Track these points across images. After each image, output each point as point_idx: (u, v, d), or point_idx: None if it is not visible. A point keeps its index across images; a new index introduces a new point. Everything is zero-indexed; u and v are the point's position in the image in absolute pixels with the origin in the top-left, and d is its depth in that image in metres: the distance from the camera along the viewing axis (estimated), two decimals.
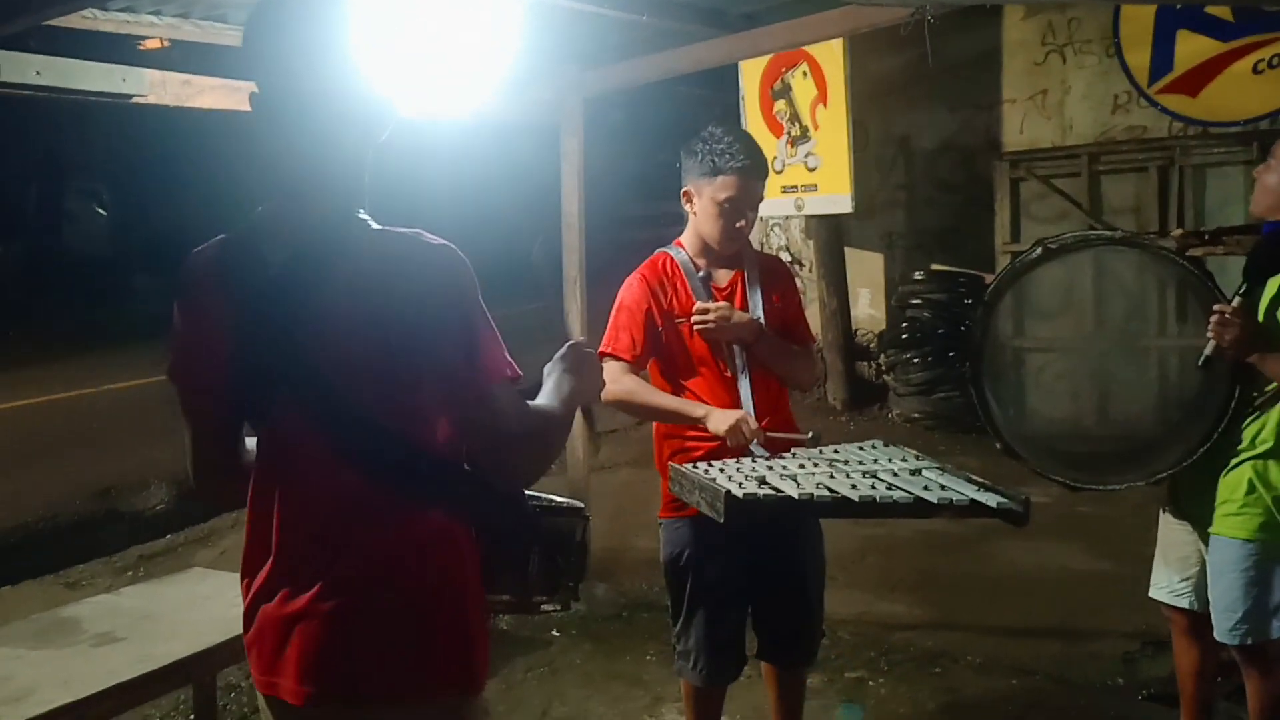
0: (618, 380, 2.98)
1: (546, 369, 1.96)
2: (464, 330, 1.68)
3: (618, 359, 3.02)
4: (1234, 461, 2.93)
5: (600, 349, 3.03)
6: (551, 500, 2.06)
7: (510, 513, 1.87)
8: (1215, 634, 3.03)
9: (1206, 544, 3.04)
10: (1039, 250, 3.01)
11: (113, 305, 16.34)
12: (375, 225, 1.72)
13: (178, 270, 1.77)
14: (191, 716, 3.55)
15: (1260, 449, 2.91)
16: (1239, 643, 2.96)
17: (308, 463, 1.70)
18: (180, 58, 5.21)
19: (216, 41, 4.26)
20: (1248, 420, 2.92)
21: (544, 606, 2.02)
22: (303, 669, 1.69)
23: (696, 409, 2.95)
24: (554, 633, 4.70)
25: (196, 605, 3.34)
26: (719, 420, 2.88)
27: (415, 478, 1.71)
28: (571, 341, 2.02)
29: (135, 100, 3.90)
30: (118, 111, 4.45)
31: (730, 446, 2.87)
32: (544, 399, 1.88)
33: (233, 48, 4.31)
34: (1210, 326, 2.79)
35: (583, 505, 2.09)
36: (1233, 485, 2.93)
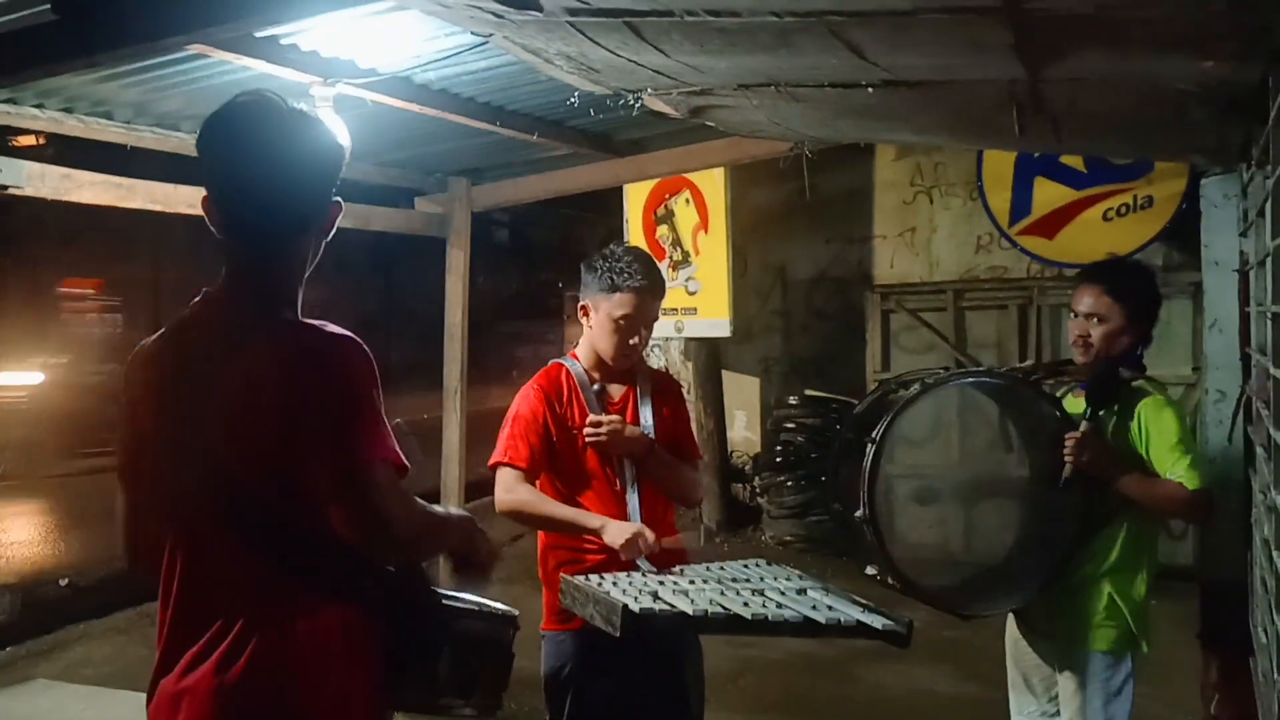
0: (512, 490, 2.96)
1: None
2: (349, 414, 1.73)
3: (514, 467, 3.00)
4: (1090, 577, 3.06)
5: (494, 459, 3.02)
6: (478, 604, 2.05)
7: (417, 611, 1.87)
8: None
9: (1059, 661, 3.15)
10: (917, 387, 3.13)
11: None
12: (290, 317, 1.81)
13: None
14: None
15: (1114, 563, 3.05)
16: None
17: (207, 545, 1.77)
18: (55, 156, 5.09)
19: (100, 138, 4.20)
20: (1098, 538, 3.07)
21: (457, 711, 1.98)
22: None
23: (593, 519, 2.94)
24: None
25: (38, 719, 3.15)
26: (615, 532, 2.87)
27: (310, 567, 1.74)
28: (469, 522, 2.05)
29: (11, 191, 3.80)
30: None
31: (623, 559, 2.86)
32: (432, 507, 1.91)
33: (116, 145, 4.28)
34: (1067, 450, 2.95)
35: (515, 613, 2.08)
36: (1092, 599, 3.05)
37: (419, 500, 1.85)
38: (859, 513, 2.95)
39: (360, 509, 1.72)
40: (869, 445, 2.97)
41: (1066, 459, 2.95)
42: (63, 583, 6.78)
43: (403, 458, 1.78)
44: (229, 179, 1.83)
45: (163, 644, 1.81)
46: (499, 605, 2.10)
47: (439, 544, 1.95)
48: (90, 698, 3.28)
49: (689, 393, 9.54)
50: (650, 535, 2.87)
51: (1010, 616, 3.37)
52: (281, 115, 1.81)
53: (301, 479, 1.71)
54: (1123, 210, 6.40)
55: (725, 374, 9.60)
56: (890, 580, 3.05)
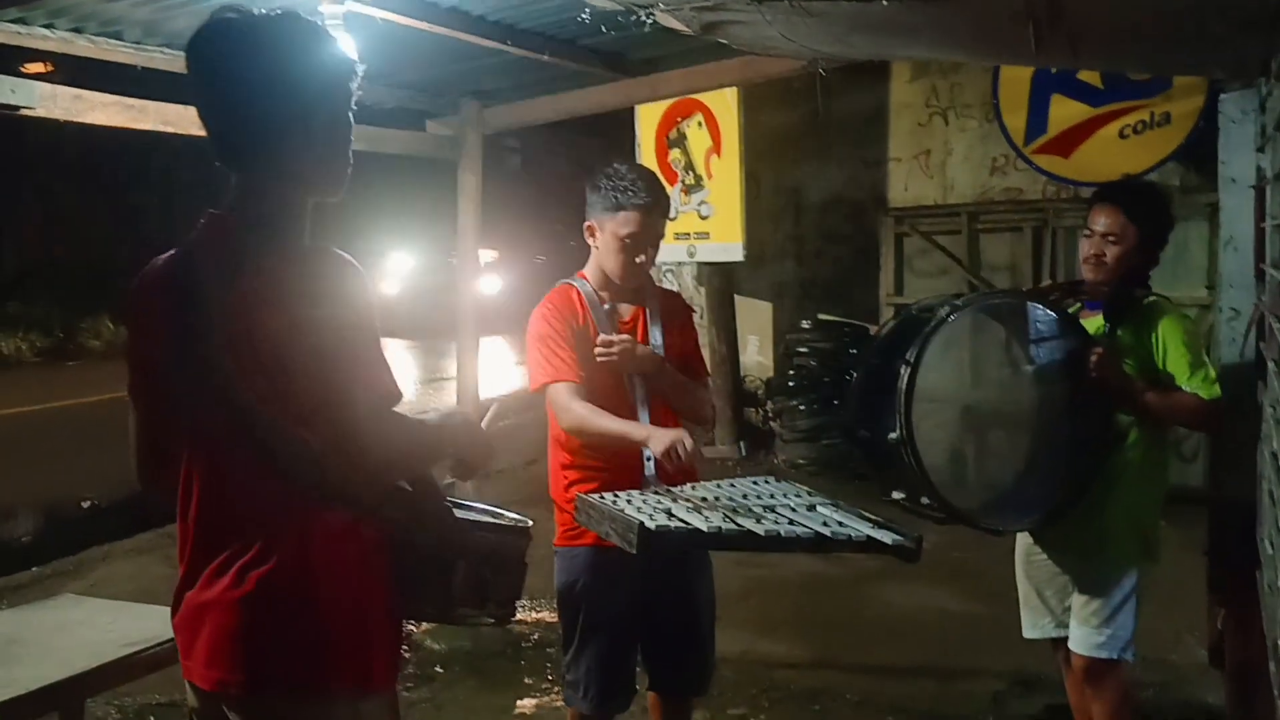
0: (569, 406, 2.98)
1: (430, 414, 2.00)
2: (331, 341, 1.73)
3: (564, 382, 3.01)
4: (1105, 493, 3.13)
5: (539, 381, 3.05)
6: (494, 515, 2.08)
7: (430, 526, 1.90)
8: (1071, 643, 3.23)
9: (1072, 574, 3.25)
10: (947, 309, 3.12)
11: None
12: (291, 240, 1.82)
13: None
14: None
15: (1128, 480, 3.13)
16: (1102, 655, 3.15)
17: (221, 460, 1.80)
18: (65, 79, 5.06)
19: (110, 58, 4.18)
20: (1113, 455, 3.13)
21: (472, 620, 2.04)
22: (210, 655, 1.79)
23: (639, 430, 2.95)
24: (437, 668, 4.64)
25: (66, 631, 3.22)
26: (659, 440, 2.88)
27: (316, 481, 1.76)
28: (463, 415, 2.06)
29: (23, 112, 3.80)
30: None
31: (668, 468, 2.90)
32: (419, 419, 1.92)
33: (126, 65, 4.26)
34: (1092, 365, 3.00)
35: (528, 523, 2.10)
36: (1110, 513, 3.14)
37: (405, 420, 1.84)
38: (893, 434, 2.97)
39: (330, 437, 1.73)
40: (904, 367, 2.98)
41: (1092, 374, 3.00)
42: (85, 505, 6.88)
43: (395, 385, 1.79)
44: (216, 97, 1.82)
45: (185, 559, 1.85)
46: (513, 515, 2.14)
47: (422, 465, 1.94)
48: (117, 610, 3.35)
49: (701, 318, 9.54)
50: (689, 441, 2.87)
51: (1019, 536, 3.42)
52: (268, 26, 1.79)
53: (289, 402, 1.73)
54: (1139, 127, 6.31)
55: (738, 298, 9.59)
56: (925, 500, 3.08)
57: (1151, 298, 3.19)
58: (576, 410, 2.98)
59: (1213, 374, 3.09)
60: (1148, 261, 3.23)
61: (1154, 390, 3.07)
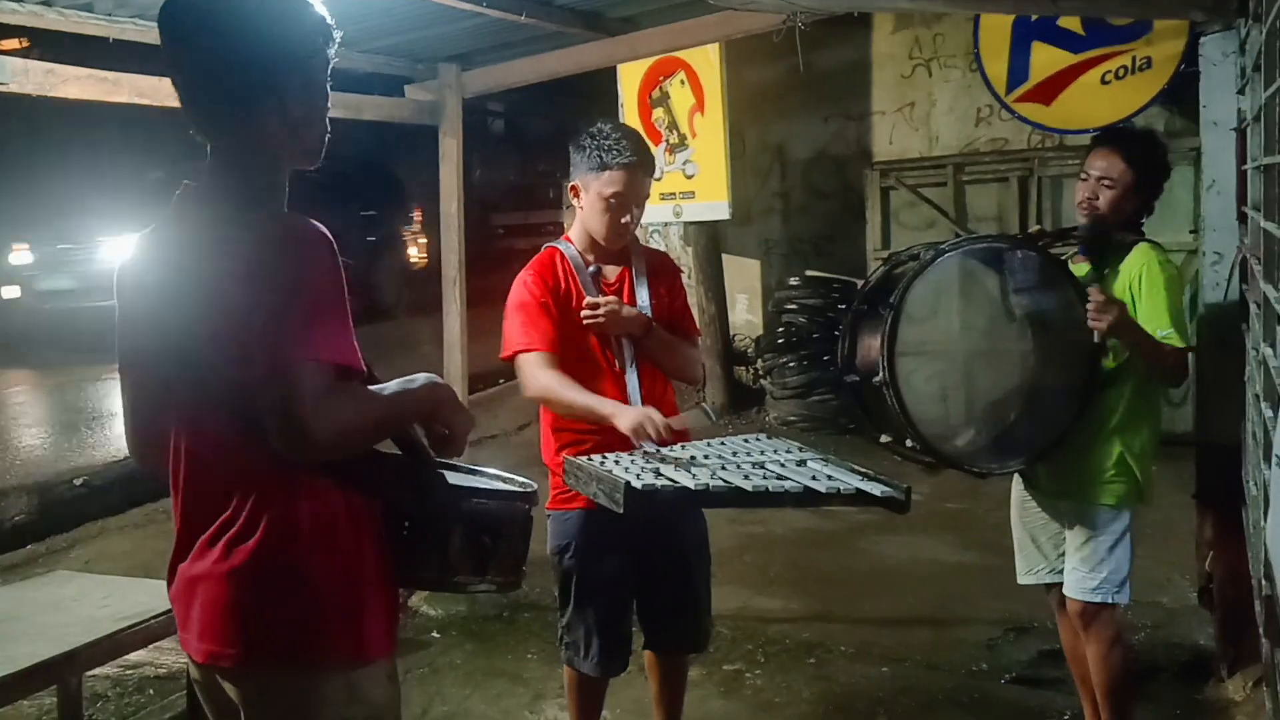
0: (537, 375, 2.98)
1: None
2: (283, 311, 1.68)
3: (536, 352, 3.00)
4: (1099, 434, 3.15)
5: (511, 348, 3.04)
6: (499, 478, 2.06)
7: (421, 494, 1.89)
8: (1066, 588, 3.26)
9: (1067, 517, 3.27)
10: (931, 252, 3.13)
11: None
12: (261, 209, 1.79)
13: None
14: None
15: (1121, 421, 3.15)
16: (1096, 599, 3.18)
17: (202, 430, 1.81)
18: (39, 55, 5.00)
19: (80, 31, 4.12)
20: (1106, 396, 3.15)
21: (472, 587, 2.01)
22: (202, 628, 1.80)
23: (605, 406, 2.94)
24: (434, 634, 4.68)
25: (61, 607, 3.24)
26: (627, 419, 2.87)
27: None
28: (435, 380, 1.96)
29: None
30: None
31: (635, 443, 2.87)
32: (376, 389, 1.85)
33: (96, 39, 4.21)
34: (1090, 312, 2.99)
35: (532, 487, 2.08)
36: (1104, 457, 3.16)
37: (363, 392, 1.79)
38: (878, 377, 3.00)
39: (272, 412, 1.67)
40: (886, 311, 3.00)
41: (1091, 320, 2.99)
42: (77, 482, 6.88)
43: (353, 358, 1.74)
44: (188, 67, 1.81)
45: (177, 532, 1.86)
46: (518, 480, 2.12)
47: (382, 436, 1.88)
48: (111, 586, 3.37)
49: (689, 277, 9.53)
50: (659, 418, 2.87)
51: (1015, 480, 3.45)
52: None
53: (255, 372, 1.69)
54: (1121, 73, 6.26)
55: (725, 257, 9.57)
56: (908, 443, 3.11)
57: (1138, 242, 3.18)
58: (543, 380, 2.98)
59: (1186, 322, 3.09)
60: (1141, 208, 3.23)
61: (1150, 336, 3.05)
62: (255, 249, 1.72)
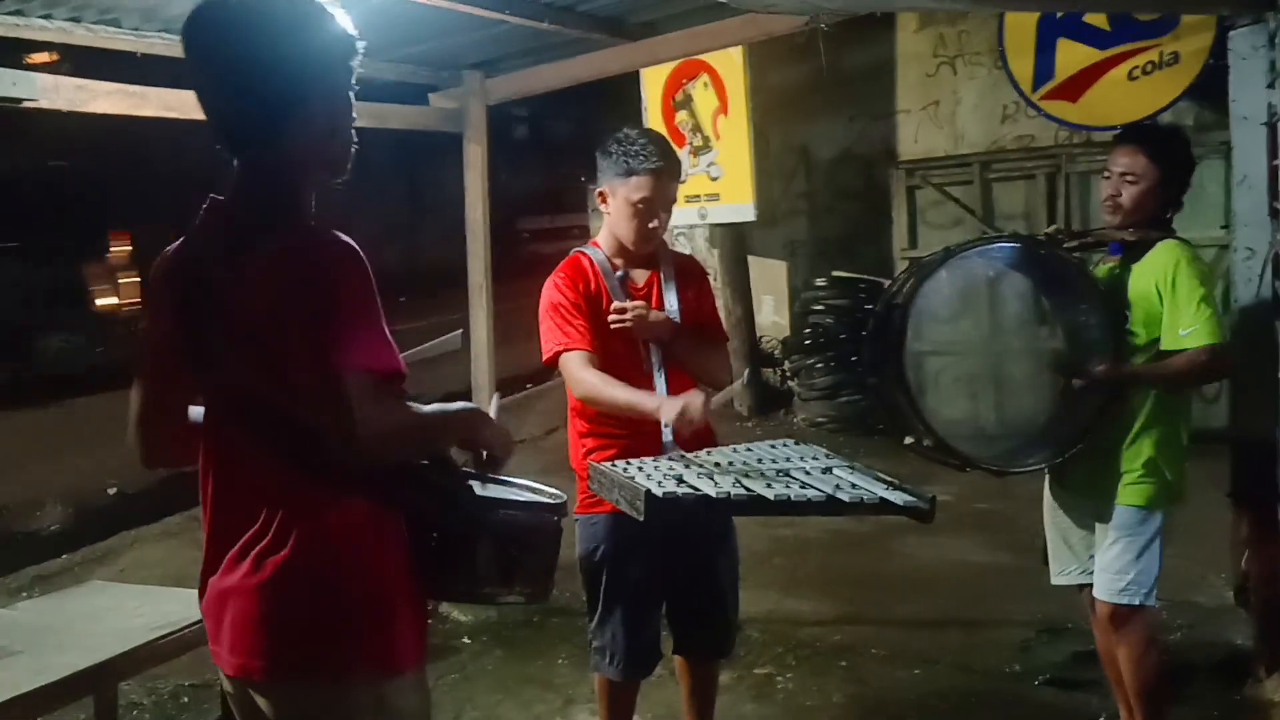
0: (583, 375, 2.98)
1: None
2: (323, 323, 1.69)
3: (577, 350, 3.00)
4: (1129, 435, 3.13)
5: (552, 350, 3.04)
6: (530, 489, 2.07)
7: (447, 506, 1.89)
8: (1096, 590, 3.22)
9: (1098, 518, 3.23)
10: (941, 253, 3.13)
11: None
12: (291, 223, 1.78)
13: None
14: None
15: (1150, 421, 3.12)
16: (1125, 601, 3.15)
17: (233, 449, 1.82)
18: (71, 69, 5.05)
19: (108, 45, 4.16)
20: (1134, 398, 3.13)
21: (500, 599, 2.02)
22: (233, 641, 1.81)
23: (650, 401, 2.94)
24: (464, 640, 4.69)
25: (96, 618, 3.26)
26: (669, 409, 2.86)
27: (328, 467, 1.75)
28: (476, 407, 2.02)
29: (26, 105, 3.79)
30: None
31: (684, 434, 2.89)
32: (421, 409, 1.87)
33: (125, 53, 4.25)
34: (1099, 376, 3.04)
35: (562, 498, 2.07)
36: (1133, 457, 3.13)
37: (407, 407, 1.81)
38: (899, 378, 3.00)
39: (324, 419, 1.69)
40: (898, 314, 3.00)
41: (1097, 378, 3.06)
42: (111, 491, 6.94)
43: (396, 362, 1.76)
44: (213, 80, 1.81)
45: (207, 545, 1.87)
46: (548, 490, 2.11)
47: (423, 448, 1.90)
48: (145, 596, 3.39)
49: (715, 280, 9.52)
50: (698, 401, 2.85)
51: (1047, 483, 3.42)
52: (264, 5, 1.77)
53: (288, 385, 1.72)
54: (1148, 68, 6.21)
55: (751, 259, 9.56)
56: (926, 443, 3.10)
57: (1167, 240, 3.14)
58: (588, 380, 2.98)
59: (1216, 319, 3.03)
60: (1168, 204, 3.19)
61: (1155, 374, 3.09)
62: (291, 263, 1.72)
